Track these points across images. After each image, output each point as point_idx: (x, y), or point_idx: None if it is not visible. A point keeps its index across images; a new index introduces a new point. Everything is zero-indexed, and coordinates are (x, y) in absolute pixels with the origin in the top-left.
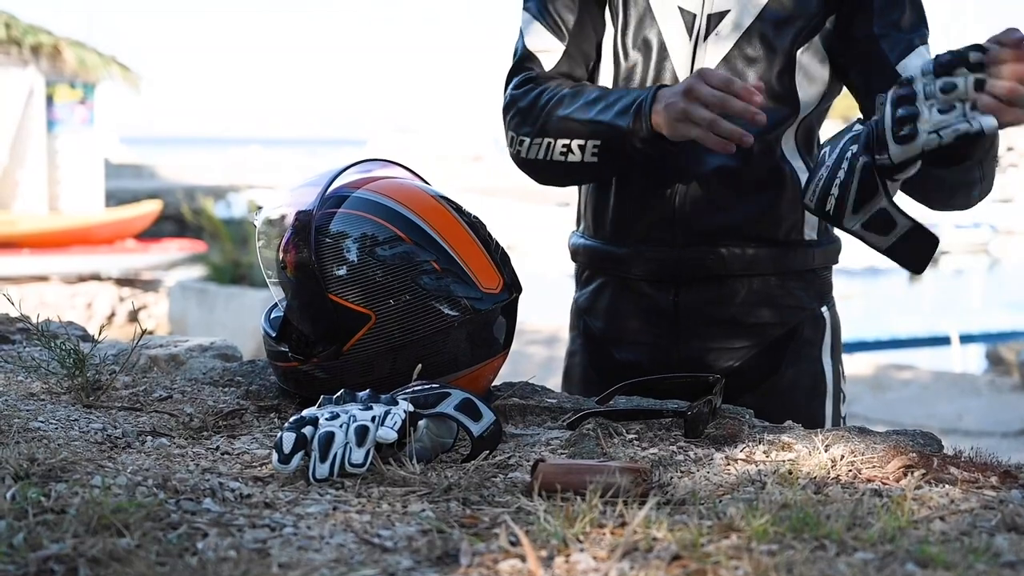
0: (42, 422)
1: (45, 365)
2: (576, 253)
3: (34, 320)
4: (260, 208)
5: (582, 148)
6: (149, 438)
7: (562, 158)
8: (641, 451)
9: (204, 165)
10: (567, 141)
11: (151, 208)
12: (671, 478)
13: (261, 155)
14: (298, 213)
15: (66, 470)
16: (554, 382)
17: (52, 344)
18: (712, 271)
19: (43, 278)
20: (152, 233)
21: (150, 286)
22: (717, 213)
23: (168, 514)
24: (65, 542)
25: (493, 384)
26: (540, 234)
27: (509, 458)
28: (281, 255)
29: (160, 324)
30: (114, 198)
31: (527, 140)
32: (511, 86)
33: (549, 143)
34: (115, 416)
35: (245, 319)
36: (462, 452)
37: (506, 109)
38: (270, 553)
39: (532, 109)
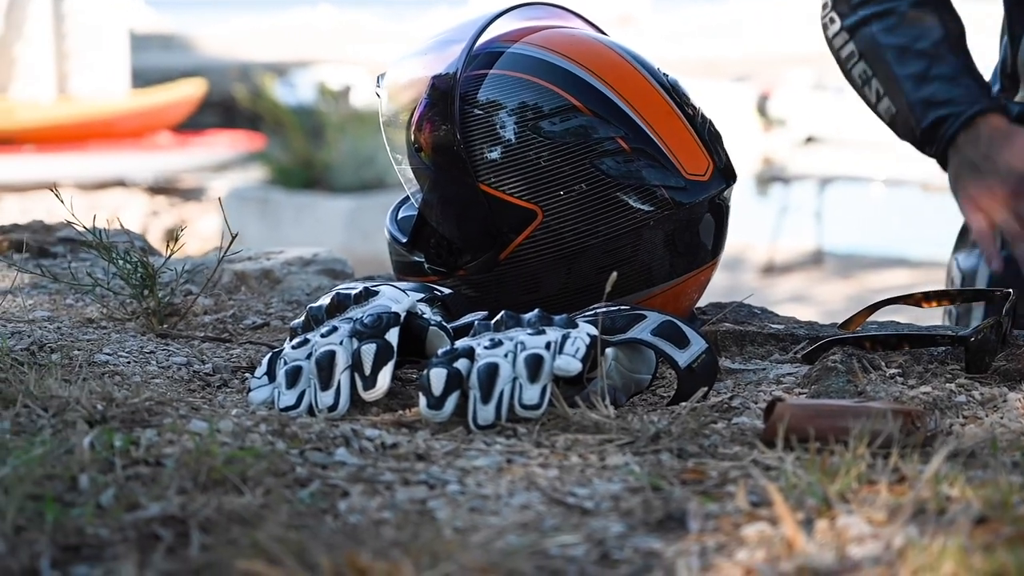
0: (109, 355)
1: (103, 284)
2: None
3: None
4: (383, 74)
5: (877, 96)
6: (248, 375)
7: (860, 83)
8: (908, 390)
9: (259, 33)
10: (869, 73)
11: (190, 92)
12: (951, 425)
13: (334, 19)
14: (435, 78)
15: (153, 413)
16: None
17: (113, 257)
18: None
19: (51, 185)
20: (193, 124)
21: (192, 195)
22: None
23: (292, 467)
24: (169, 500)
25: (697, 305)
26: (714, 119)
27: (731, 398)
28: (413, 134)
29: (208, 245)
30: (141, 78)
31: (837, 28)
32: None
33: (852, 54)
34: (200, 348)
35: (321, 235)
36: (661, 394)
37: None
38: (435, 516)
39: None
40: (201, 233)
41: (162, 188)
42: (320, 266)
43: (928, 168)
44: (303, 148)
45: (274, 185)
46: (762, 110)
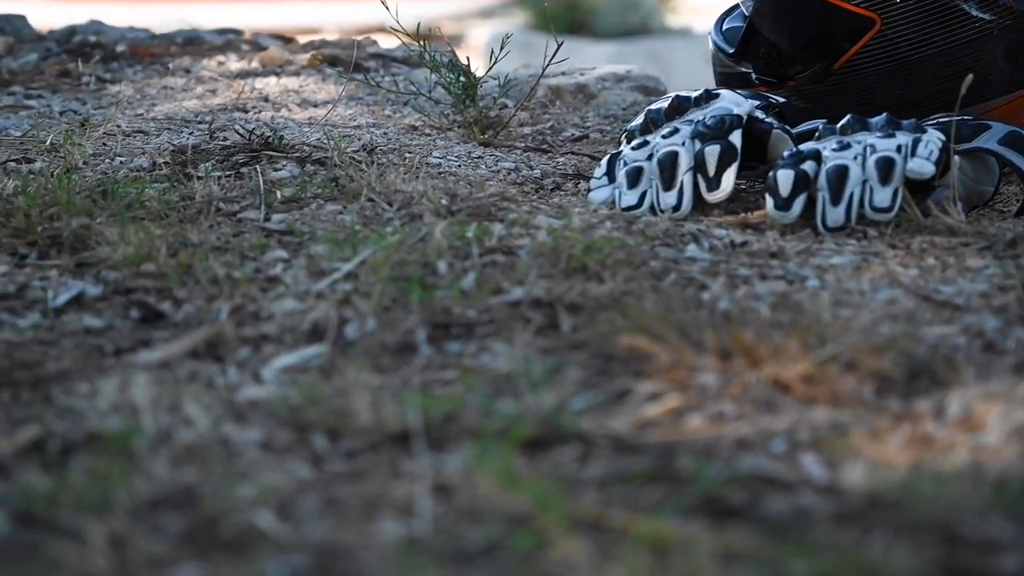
0: (440, 158)
1: (426, 94)
2: None
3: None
4: None
5: None
6: (577, 182)
7: None
8: None
9: None
10: None
11: None
12: None
13: None
14: None
15: (498, 208)
16: None
17: (437, 66)
18: None
19: (314, 30)
20: None
21: (453, 41)
22: None
23: (645, 261)
24: (532, 285)
25: None
26: None
27: None
28: None
29: None
30: None
31: None
32: None
33: None
34: (525, 156)
35: None
36: (1000, 209)
37: None
38: (803, 307)
39: None
40: None
41: (423, 34)
42: (633, 83)
43: None
44: None
45: (536, 30)
46: None
